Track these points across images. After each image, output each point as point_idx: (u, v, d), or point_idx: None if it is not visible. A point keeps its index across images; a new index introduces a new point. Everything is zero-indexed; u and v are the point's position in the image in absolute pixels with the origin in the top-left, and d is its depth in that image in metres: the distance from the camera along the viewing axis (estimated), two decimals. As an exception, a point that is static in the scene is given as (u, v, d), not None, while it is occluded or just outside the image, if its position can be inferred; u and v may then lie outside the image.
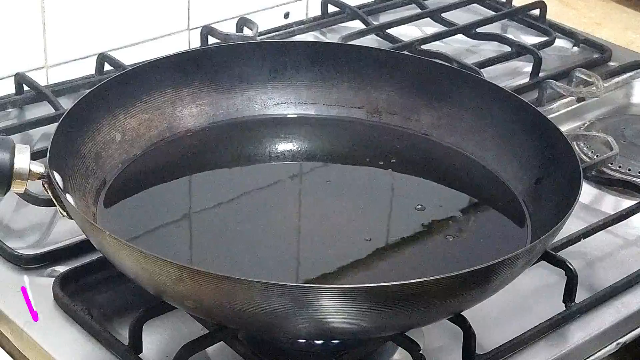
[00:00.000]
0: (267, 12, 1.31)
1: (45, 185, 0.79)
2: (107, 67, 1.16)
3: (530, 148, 0.90)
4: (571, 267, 0.87)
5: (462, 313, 0.79)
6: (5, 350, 0.84)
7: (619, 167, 1.08)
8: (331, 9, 1.33)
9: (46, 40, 1.15)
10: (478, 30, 1.29)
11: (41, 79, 1.14)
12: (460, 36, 1.28)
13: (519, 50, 1.24)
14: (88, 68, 1.16)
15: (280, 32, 1.28)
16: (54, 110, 1.07)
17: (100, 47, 1.17)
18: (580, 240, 0.93)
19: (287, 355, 0.81)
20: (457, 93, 0.96)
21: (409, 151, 0.96)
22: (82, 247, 0.89)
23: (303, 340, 0.80)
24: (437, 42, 1.26)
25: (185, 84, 0.96)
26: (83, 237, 0.85)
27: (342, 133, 0.98)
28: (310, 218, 0.87)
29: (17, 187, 0.78)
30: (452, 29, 1.28)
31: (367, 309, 0.68)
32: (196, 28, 1.24)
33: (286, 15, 1.33)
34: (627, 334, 0.89)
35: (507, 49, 1.25)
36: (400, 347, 0.81)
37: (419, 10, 1.34)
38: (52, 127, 0.91)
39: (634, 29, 1.42)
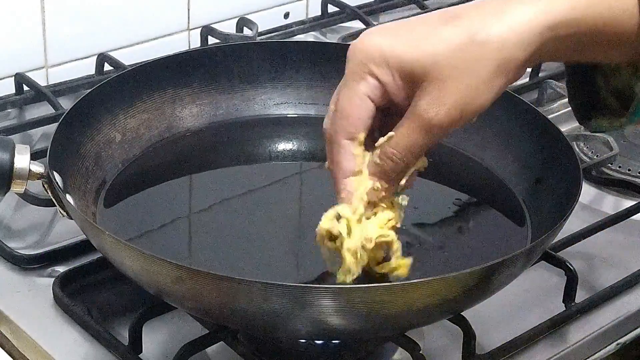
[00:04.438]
0: (267, 12, 1.31)
1: (45, 185, 0.79)
2: (107, 67, 1.16)
3: (530, 148, 0.90)
4: (571, 267, 0.87)
5: (462, 313, 0.79)
6: (5, 350, 0.84)
7: (619, 167, 1.08)
8: (331, 9, 1.33)
9: (46, 40, 1.15)
10: (478, 30, 1.29)
11: (41, 79, 1.14)
12: (460, 36, 1.28)
13: (519, 50, 1.24)
14: (88, 68, 1.16)
15: (280, 32, 1.28)
16: (54, 110, 1.07)
17: (100, 47, 1.17)
18: (580, 240, 0.93)
19: (287, 355, 0.81)
20: (457, 93, 0.95)
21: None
22: (82, 247, 0.89)
23: (303, 340, 0.80)
24: (437, 42, 1.26)
25: (185, 84, 0.96)
26: (83, 237, 0.85)
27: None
28: (310, 218, 0.86)
29: (17, 187, 0.78)
30: (452, 29, 1.28)
31: (367, 309, 0.68)
32: (196, 28, 1.24)
33: (286, 15, 1.33)
34: (627, 334, 0.89)
35: (507, 49, 1.25)
36: (400, 347, 0.81)
37: (419, 10, 1.34)
38: (52, 127, 0.91)
39: (634, 29, 1.42)
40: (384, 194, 0.72)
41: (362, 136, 0.71)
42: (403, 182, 0.72)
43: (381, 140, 0.71)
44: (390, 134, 0.70)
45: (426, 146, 0.70)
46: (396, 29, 0.70)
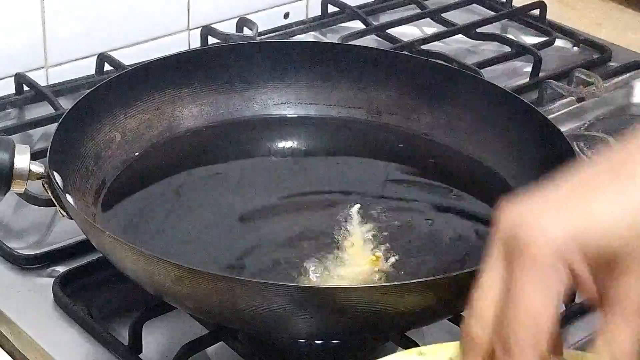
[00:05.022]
0: (267, 12, 1.31)
1: (45, 185, 0.79)
2: (107, 67, 1.16)
3: (530, 148, 0.90)
4: (571, 267, 0.87)
5: (462, 313, 0.79)
6: (5, 350, 0.84)
7: (619, 167, 1.08)
8: (331, 9, 1.33)
9: (46, 40, 1.15)
10: (478, 30, 1.29)
11: (41, 79, 1.14)
12: (460, 36, 1.28)
13: (519, 51, 1.24)
14: (88, 68, 1.16)
15: (280, 32, 1.28)
16: (54, 110, 1.07)
17: (100, 47, 1.17)
18: (580, 240, 0.93)
19: (287, 355, 0.81)
20: (457, 93, 0.95)
21: (409, 151, 0.96)
22: (82, 247, 0.89)
23: (303, 340, 0.80)
24: (437, 42, 1.26)
25: (185, 84, 0.96)
26: (83, 237, 0.85)
27: (342, 133, 0.98)
28: (310, 217, 0.86)
29: (17, 187, 0.78)
30: (452, 29, 1.28)
31: (367, 309, 0.68)
32: (196, 28, 1.24)
33: (286, 16, 1.33)
34: (627, 334, 0.89)
35: (507, 49, 1.25)
36: (400, 347, 0.81)
37: (419, 10, 1.34)
38: (52, 127, 0.91)
39: (634, 29, 1.42)
40: None
41: (544, 345, 0.57)
42: None
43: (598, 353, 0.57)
44: (610, 338, 0.57)
45: None
46: (564, 203, 0.57)
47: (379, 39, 1.27)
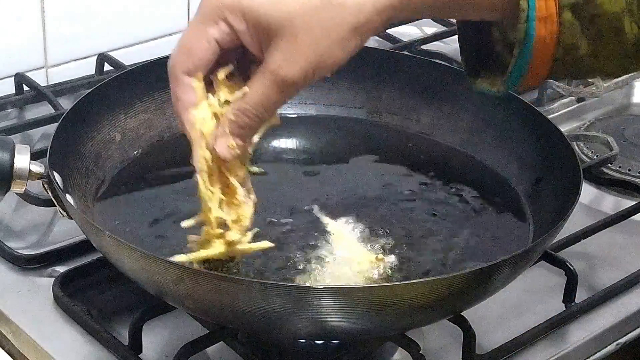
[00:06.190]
0: (267, 12, 1.31)
1: (45, 185, 0.79)
2: (107, 67, 1.16)
3: (530, 148, 0.90)
4: (571, 267, 0.87)
5: (462, 313, 0.79)
6: (5, 350, 0.84)
7: (619, 167, 1.08)
8: (331, 8, 1.33)
9: (46, 40, 1.15)
10: (478, 30, 1.29)
11: (41, 79, 1.14)
12: (460, 36, 1.28)
13: (519, 50, 1.24)
14: (88, 68, 1.16)
15: (280, 32, 1.28)
16: (54, 110, 1.07)
17: (100, 47, 1.17)
18: (580, 240, 0.93)
19: (287, 355, 0.81)
20: (457, 93, 0.95)
21: (409, 151, 0.96)
22: (82, 247, 0.89)
23: (303, 340, 0.80)
24: (437, 42, 1.26)
25: (185, 84, 0.96)
26: (83, 237, 0.85)
27: (342, 133, 0.98)
28: (309, 218, 0.86)
29: (17, 187, 0.78)
30: (452, 29, 1.28)
31: (367, 309, 0.68)
32: (196, 28, 1.24)
33: (286, 15, 1.33)
34: (627, 334, 0.89)
35: (507, 49, 1.25)
36: (400, 347, 0.81)
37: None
38: (52, 127, 0.91)
39: (634, 29, 1.42)
40: (238, 152, 0.72)
41: (200, 75, 0.71)
42: (256, 139, 0.73)
43: (236, 95, 0.71)
44: (245, 89, 0.70)
45: (280, 102, 0.70)
46: None
47: (379, 39, 1.27)
